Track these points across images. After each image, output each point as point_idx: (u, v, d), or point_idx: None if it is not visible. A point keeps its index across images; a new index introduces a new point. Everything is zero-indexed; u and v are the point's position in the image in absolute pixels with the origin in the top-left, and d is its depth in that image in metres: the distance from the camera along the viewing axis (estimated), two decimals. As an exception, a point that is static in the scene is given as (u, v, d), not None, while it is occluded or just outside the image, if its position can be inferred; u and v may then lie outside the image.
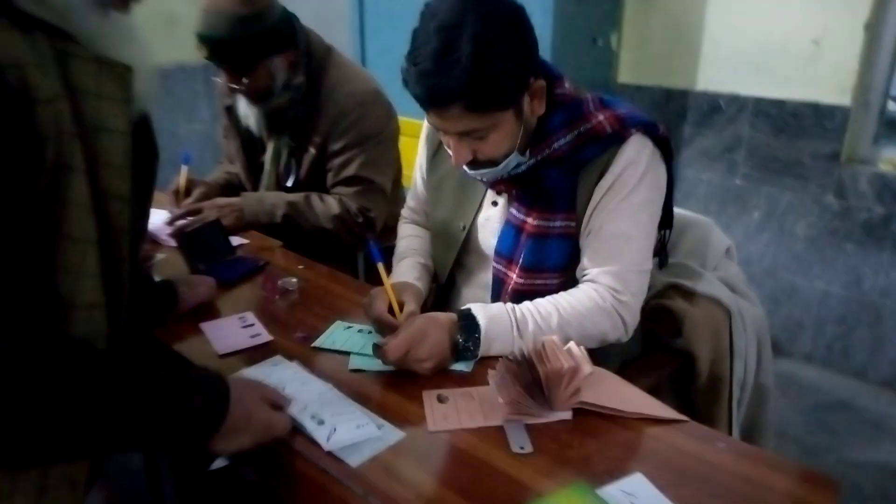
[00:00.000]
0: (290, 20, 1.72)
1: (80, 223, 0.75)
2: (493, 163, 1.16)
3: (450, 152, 1.18)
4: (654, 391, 1.10)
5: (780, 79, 2.58)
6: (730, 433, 1.40)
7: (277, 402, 0.97)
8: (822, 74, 2.49)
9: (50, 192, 0.72)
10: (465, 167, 1.19)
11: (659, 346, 1.44)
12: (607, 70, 2.92)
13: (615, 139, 1.17)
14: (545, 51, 2.50)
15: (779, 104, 2.61)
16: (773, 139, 2.65)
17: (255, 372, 1.10)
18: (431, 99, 1.06)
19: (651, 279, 1.43)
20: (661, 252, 1.37)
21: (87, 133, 0.74)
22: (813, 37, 2.48)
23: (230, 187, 1.95)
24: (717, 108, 2.76)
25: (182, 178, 1.77)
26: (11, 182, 0.67)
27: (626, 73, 2.95)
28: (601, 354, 1.22)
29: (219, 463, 2.07)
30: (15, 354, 0.68)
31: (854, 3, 2.38)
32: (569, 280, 1.24)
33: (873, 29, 2.41)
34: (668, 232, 1.34)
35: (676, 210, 1.50)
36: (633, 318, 1.21)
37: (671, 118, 2.89)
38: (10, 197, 0.68)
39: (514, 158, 1.17)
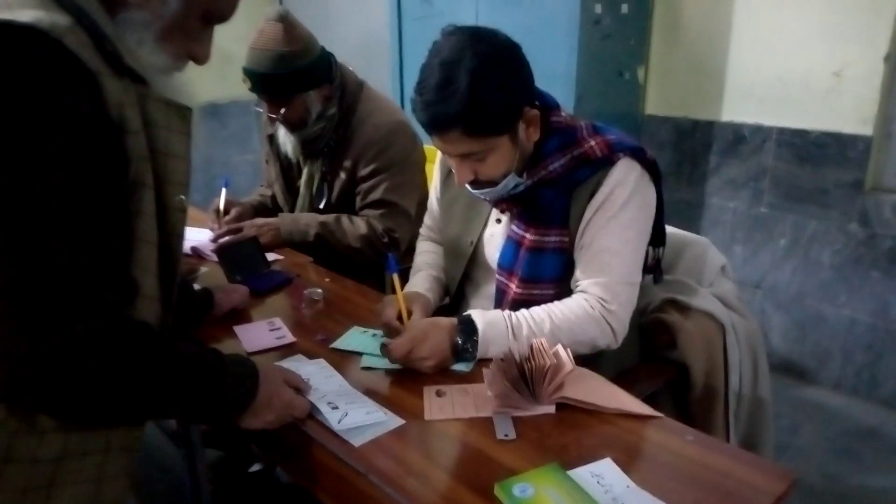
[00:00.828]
0: (327, 59, 1.90)
1: (148, 228, 0.93)
2: (492, 183, 1.29)
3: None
4: (651, 401, 1.18)
5: (802, 110, 2.65)
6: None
7: (298, 386, 1.11)
8: (844, 105, 2.55)
9: (131, 202, 0.89)
10: (469, 187, 1.32)
11: (656, 357, 1.52)
12: (634, 102, 3.02)
13: (605, 162, 1.29)
14: (571, 84, 2.64)
15: (802, 134, 2.67)
16: (797, 168, 2.70)
17: (287, 364, 1.24)
18: (433, 124, 1.21)
19: (649, 294, 1.53)
20: (657, 268, 1.46)
21: (157, 157, 0.92)
22: (834, 69, 2.54)
23: (263, 208, 2.15)
24: (741, 138, 2.83)
25: (221, 199, 1.96)
26: (111, 193, 0.85)
27: (653, 105, 3.06)
28: (597, 363, 1.32)
29: (255, 467, 2.22)
30: (100, 330, 0.83)
31: (874, 36, 2.44)
32: (564, 291, 1.35)
33: (893, 61, 2.46)
34: (661, 249, 1.44)
35: (675, 230, 1.60)
36: (622, 327, 1.31)
37: (697, 148, 2.97)
38: (110, 205, 0.85)
39: (512, 179, 1.30)
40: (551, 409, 1.12)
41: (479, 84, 1.16)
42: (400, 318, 1.32)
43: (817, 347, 2.82)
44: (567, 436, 1.07)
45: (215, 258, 1.76)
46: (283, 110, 1.84)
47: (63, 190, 0.79)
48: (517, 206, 1.37)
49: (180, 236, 1.00)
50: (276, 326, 1.43)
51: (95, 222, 0.82)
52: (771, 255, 2.87)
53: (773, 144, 2.75)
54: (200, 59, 0.99)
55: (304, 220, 1.93)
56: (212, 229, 1.91)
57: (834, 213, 2.66)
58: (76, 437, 0.91)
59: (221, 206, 1.96)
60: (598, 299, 1.29)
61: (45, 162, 0.77)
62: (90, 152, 0.81)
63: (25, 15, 0.77)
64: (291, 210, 2.09)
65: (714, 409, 1.47)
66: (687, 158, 3.01)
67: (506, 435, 1.06)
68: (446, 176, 1.56)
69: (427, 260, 1.61)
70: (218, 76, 3.52)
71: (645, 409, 1.12)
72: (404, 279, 1.54)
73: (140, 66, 0.89)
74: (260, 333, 1.41)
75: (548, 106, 1.33)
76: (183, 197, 0.98)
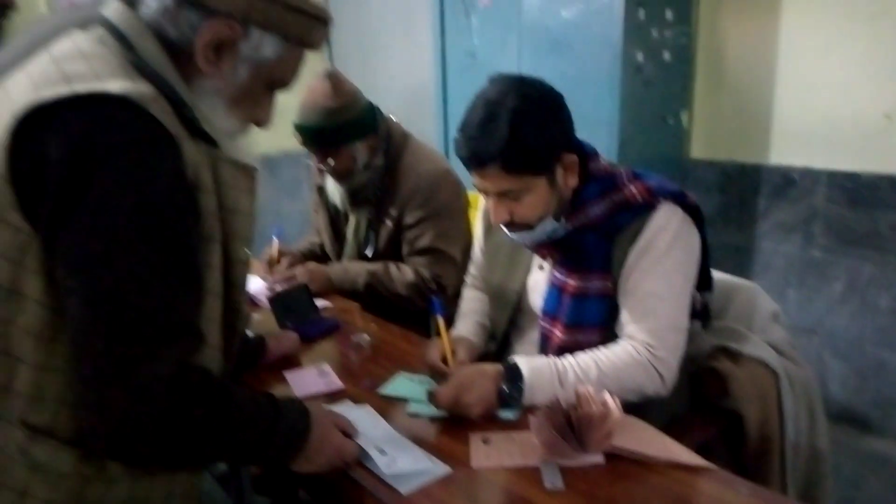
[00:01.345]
0: (372, 111, 1.97)
1: (215, 281, 0.98)
2: (528, 226, 1.32)
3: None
4: (703, 451, 1.16)
5: (853, 152, 2.60)
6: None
7: (347, 430, 1.13)
8: (897, 146, 2.50)
9: (201, 256, 0.95)
10: (505, 229, 1.35)
11: (707, 406, 1.49)
12: (678, 147, 3.02)
13: (646, 207, 1.30)
14: (614, 131, 2.66)
15: (853, 177, 2.61)
16: (850, 211, 2.64)
17: (335, 410, 1.25)
18: (473, 159, 1.26)
19: (698, 341, 1.50)
20: (705, 313, 1.45)
21: (225, 214, 0.98)
22: (885, 110, 2.50)
23: (312, 256, 2.22)
24: (790, 181, 2.79)
25: (274, 249, 2.04)
26: (186, 248, 0.90)
27: (698, 149, 3.04)
28: (647, 411, 1.29)
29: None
30: (166, 378, 0.86)
31: (925, 76, 2.40)
32: (609, 337, 1.35)
33: (947, 101, 2.41)
34: (709, 294, 1.42)
35: (723, 276, 1.58)
36: (670, 373, 1.29)
37: (745, 192, 2.93)
38: (184, 259, 0.90)
39: (548, 224, 1.32)
40: (600, 458, 1.11)
41: (519, 123, 1.20)
42: (444, 360, 1.34)
43: (879, 396, 2.70)
44: (616, 486, 1.05)
45: (267, 305, 1.81)
46: (331, 161, 1.91)
47: (142, 243, 0.84)
48: (558, 252, 1.38)
49: (243, 288, 1.05)
50: (325, 372, 1.46)
51: (170, 274, 0.87)
52: (826, 300, 2.78)
53: (823, 187, 2.70)
54: (263, 123, 1.06)
55: (354, 270, 1.98)
56: (264, 278, 1.97)
57: (890, 257, 2.58)
58: (141, 484, 0.95)
59: (275, 255, 2.03)
60: (644, 345, 1.28)
61: (128, 217, 0.83)
62: (170, 209, 0.86)
63: (116, 85, 0.83)
64: (339, 257, 2.14)
65: (769, 460, 1.43)
66: (734, 202, 2.98)
67: (553, 484, 1.05)
68: (489, 225, 1.58)
69: (472, 307, 1.63)
70: (270, 129, 3.67)
71: (696, 460, 1.10)
72: (450, 326, 1.56)
73: (212, 129, 0.96)
74: (309, 379, 1.43)
75: (587, 153, 1.35)
76: (247, 251, 1.03)
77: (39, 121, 0.81)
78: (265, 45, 0.96)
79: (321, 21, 1.00)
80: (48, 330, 0.86)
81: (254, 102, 1.02)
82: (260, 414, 0.98)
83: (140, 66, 0.90)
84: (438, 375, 1.31)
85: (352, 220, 2.08)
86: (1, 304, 0.85)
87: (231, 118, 1.00)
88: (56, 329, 0.86)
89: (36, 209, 0.82)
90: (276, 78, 1.02)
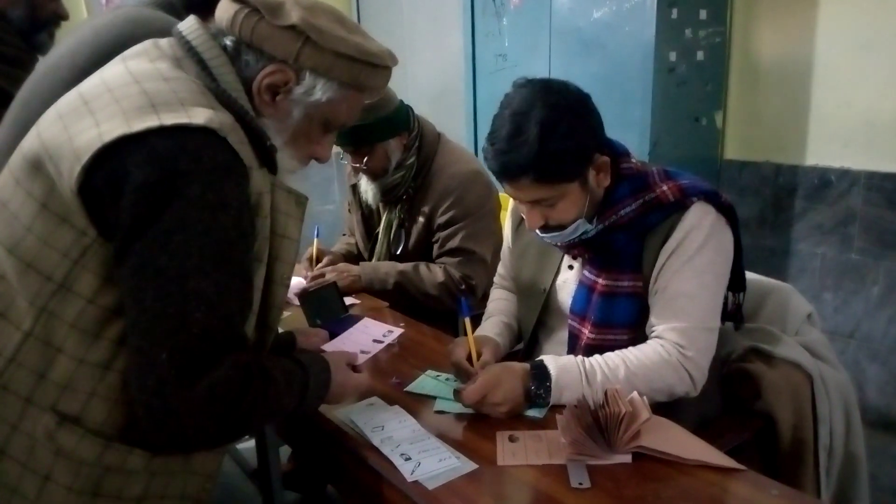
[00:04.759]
0: (405, 110, 1.99)
1: (255, 299, 1.02)
2: (561, 227, 1.31)
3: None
4: (736, 454, 1.14)
5: (893, 152, 2.54)
6: (819, 501, 1.39)
7: (354, 363, 1.24)
8: (938, 147, 2.43)
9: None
10: (538, 231, 1.34)
11: (739, 408, 1.46)
12: (712, 147, 2.98)
13: (678, 206, 1.28)
14: (646, 131, 2.64)
15: (893, 178, 2.55)
16: (889, 213, 2.58)
17: (364, 407, 1.29)
18: (505, 172, 1.25)
19: (731, 342, 1.48)
20: (737, 314, 1.43)
21: (274, 238, 1.03)
22: (925, 110, 2.44)
23: (350, 256, 2.24)
24: (827, 182, 2.73)
25: (314, 248, 2.07)
26: (242, 266, 0.94)
27: (733, 150, 3.00)
28: (678, 413, 1.28)
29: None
30: (230, 378, 0.90)
31: (968, 74, 2.34)
32: (638, 337, 1.33)
33: None
34: (742, 294, 1.40)
35: (757, 277, 1.55)
36: (700, 374, 1.28)
37: (781, 193, 2.88)
38: (240, 276, 0.94)
39: (581, 225, 1.31)
40: (627, 458, 1.10)
41: (548, 133, 1.19)
42: (469, 359, 1.34)
43: (920, 403, 2.63)
44: (644, 486, 1.04)
45: (297, 302, 1.83)
46: (366, 159, 1.93)
47: (210, 263, 0.88)
48: (589, 251, 1.38)
49: (279, 309, 1.10)
50: (354, 369, 1.47)
51: (231, 292, 0.91)
52: (864, 304, 2.72)
53: (861, 188, 2.64)
54: (322, 159, 1.12)
55: (384, 269, 1.99)
56: (305, 277, 2.01)
57: (931, 260, 2.51)
58: (157, 481, 0.98)
59: (314, 255, 2.06)
60: (674, 345, 1.27)
61: (200, 238, 0.87)
62: (235, 233, 0.91)
63: (199, 114, 0.89)
64: (370, 255, 2.17)
65: (803, 464, 1.40)
66: (770, 204, 2.93)
67: (580, 483, 1.05)
68: (518, 224, 1.58)
69: (499, 307, 1.63)
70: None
71: (727, 461, 1.09)
72: (477, 325, 1.56)
73: (276, 161, 1.02)
74: (337, 376, 1.44)
75: (617, 153, 1.34)
76: (286, 275, 1.08)
77: (122, 143, 0.86)
78: (317, 90, 1.01)
79: (376, 66, 1.04)
80: (94, 326, 0.90)
81: (309, 141, 1.08)
82: (294, 382, 1.05)
83: (218, 94, 0.97)
84: (463, 375, 1.31)
85: (384, 218, 2.09)
86: (51, 298, 0.89)
87: (288, 154, 1.06)
88: (102, 326, 0.90)
89: (106, 219, 0.87)
90: (331, 119, 1.07)
